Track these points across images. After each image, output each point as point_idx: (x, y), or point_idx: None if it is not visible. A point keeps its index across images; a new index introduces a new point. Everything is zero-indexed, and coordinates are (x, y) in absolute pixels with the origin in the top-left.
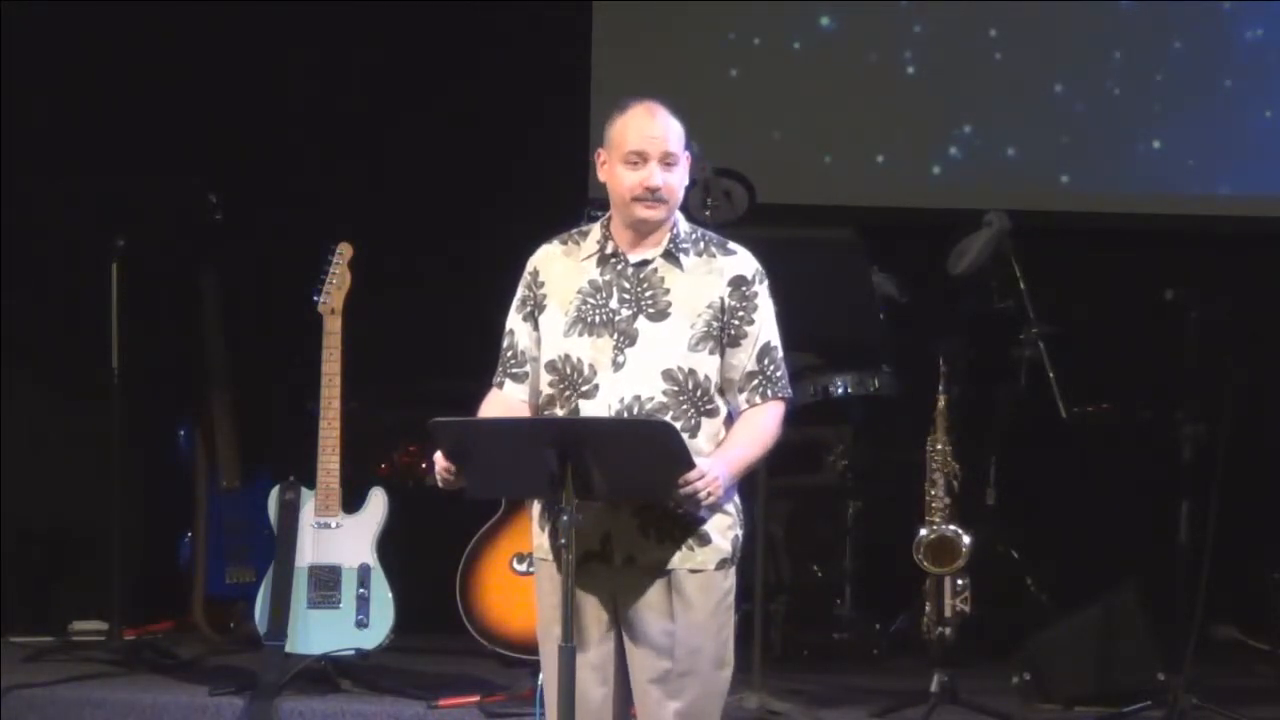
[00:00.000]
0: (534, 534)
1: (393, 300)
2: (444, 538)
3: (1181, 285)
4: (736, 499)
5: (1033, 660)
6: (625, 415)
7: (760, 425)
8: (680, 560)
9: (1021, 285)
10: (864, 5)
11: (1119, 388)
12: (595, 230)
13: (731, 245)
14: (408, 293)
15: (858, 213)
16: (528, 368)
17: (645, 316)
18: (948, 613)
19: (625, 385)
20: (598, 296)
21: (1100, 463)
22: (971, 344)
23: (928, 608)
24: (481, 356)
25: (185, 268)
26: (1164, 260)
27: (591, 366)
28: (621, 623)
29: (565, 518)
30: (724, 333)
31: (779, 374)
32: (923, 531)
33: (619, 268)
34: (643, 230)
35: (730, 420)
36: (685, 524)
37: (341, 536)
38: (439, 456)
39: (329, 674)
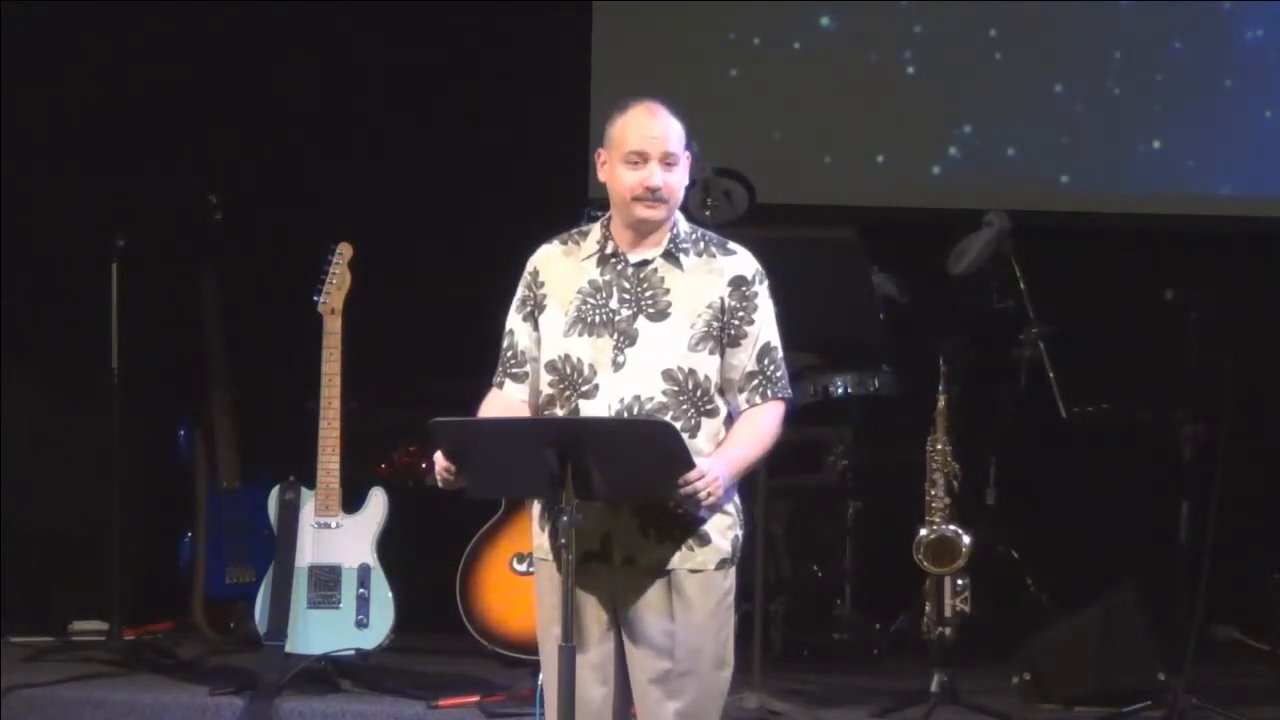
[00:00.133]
0: (534, 534)
1: (393, 300)
2: (444, 538)
3: (1181, 285)
4: (736, 499)
5: (1033, 660)
6: (625, 415)
7: (760, 425)
8: (680, 560)
9: (1021, 285)
10: (864, 5)
11: (1119, 388)
12: (595, 230)
13: (731, 245)
14: (408, 293)
15: (858, 213)
16: (528, 368)
17: (645, 316)
18: (948, 613)
19: (625, 385)
20: (598, 296)
21: (1100, 463)
22: (971, 344)
23: (928, 608)
24: (481, 356)
25: (185, 268)
26: (1164, 260)
27: (591, 366)
28: (621, 623)
29: (565, 518)
30: (724, 333)
31: (779, 374)
32: (923, 531)
33: (619, 268)
34: (643, 230)
35: (730, 420)
36: (685, 524)
37: (341, 536)
38: (439, 456)
39: (329, 674)
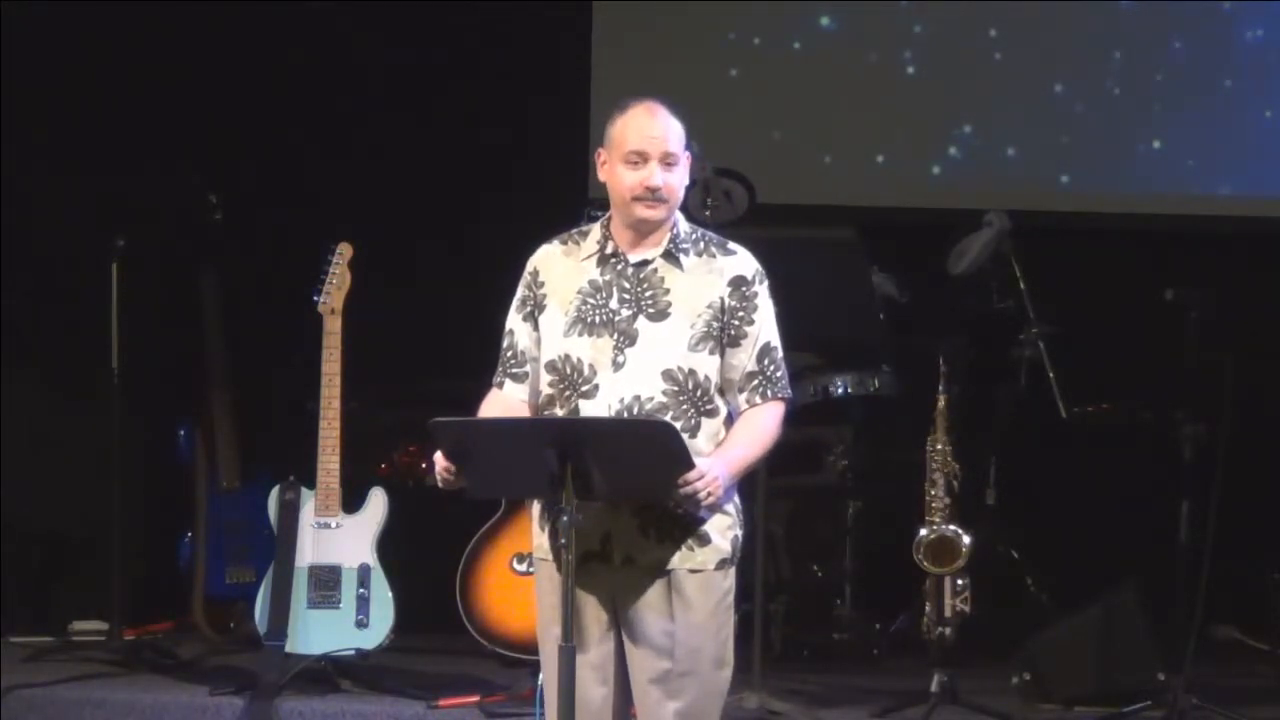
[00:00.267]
0: (534, 534)
1: (393, 300)
2: (444, 538)
3: (1181, 285)
4: (736, 499)
5: (1033, 660)
6: (625, 415)
7: (760, 425)
8: (680, 560)
9: (1021, 285)
10: (864, 5)
11: (1119, 388)
12: (595, 230)
13: (731, 245)
14: (408, 293)
15: (858, 213)
16: (528, 368)
17: (645, 316)
18: (948, 613)
19: (625, 385)
20: (598, 296)
21: (1100, 463)
22: (971, 344)
23: (928, 608)
24: (481, 356)
25: (185, 268)
26: (1164, 260)
27: (591, 366)
28: (621, 623)
29: (565, 518)
30: (724, 333)
31: (779, 374)
32: (923, 531)
33: (619, 268)
34: (643, 230)
35: (730, 420)
36: (685, 524)
37: (341, 536)
38: (439, 456)
39: (329, 674)
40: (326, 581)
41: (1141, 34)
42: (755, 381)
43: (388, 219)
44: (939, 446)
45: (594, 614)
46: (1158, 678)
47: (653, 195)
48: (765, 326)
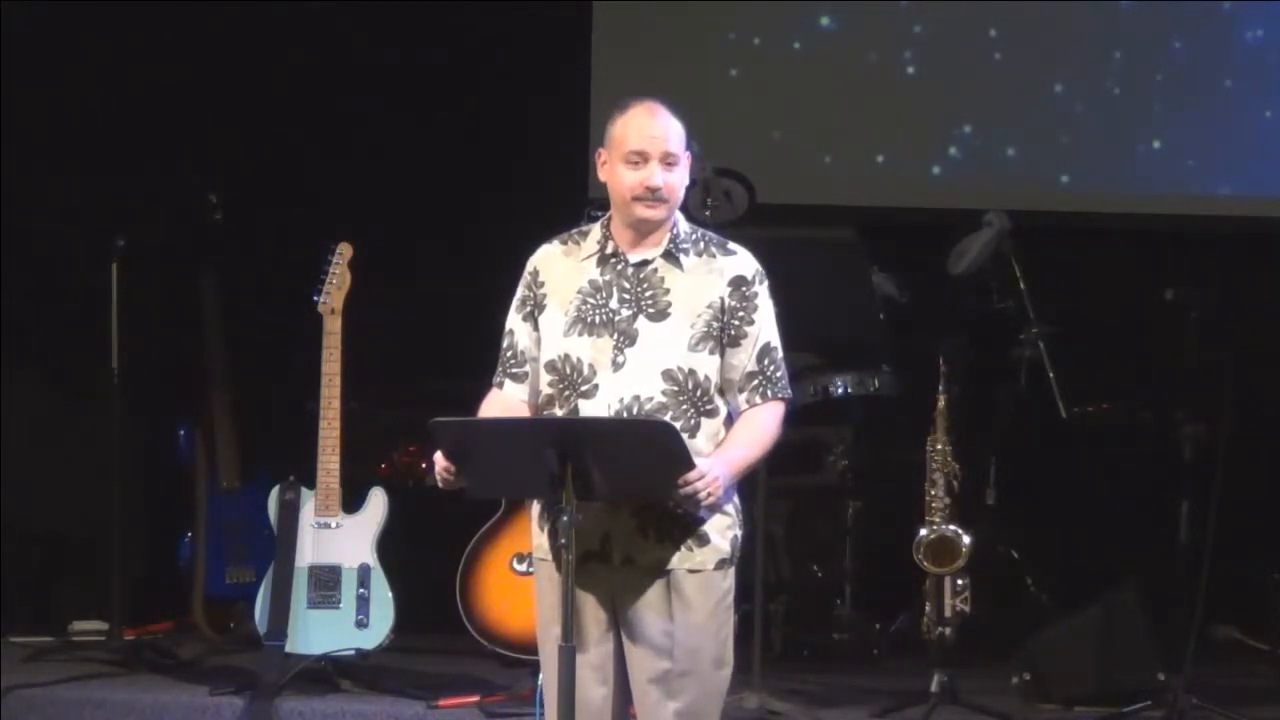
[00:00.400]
0: (534, 534)
1: (393, 300)
2: (444, 538)
3: (1181, 285)
4: (736, 499)
5: (1033, 660)
6: (625, 415)
7: (760, 425)
8: (679, 560)
9: (1021, 285)
10: (864, 5)
11: (1119, 388)
12: (595, 230)
13: (731, 245)
14: (408, 293)
15: (858, 213)
16: (527, 368)
17: (645, 316)
18: (948, 613)
19: (625, 385)
20: (598, 296)
21: (1100, 463)
22: (971, 344)
23: (928, 608)
24: (481, 356)
25: (185, 268)
26: (1164, 260)
27: (591, 366)
28: (621, 623)
29: (565, 518)
30: (724, 333)
31: (779, 374)
32: (923, 531)
33: (619, 268)
34: (643, 230)
35: (730, 420)
36: (684, 524)
37: (341, 536)
38: (439, 456)
39: (329, 674)
40: (326, 581)
41: (1141, 34)
42: (755, 381)
43: (388, 219)
44: (939, 446)
45: (593, 614)
46: (1158, 678)
47: (653, 195)
48: (765, 326)
